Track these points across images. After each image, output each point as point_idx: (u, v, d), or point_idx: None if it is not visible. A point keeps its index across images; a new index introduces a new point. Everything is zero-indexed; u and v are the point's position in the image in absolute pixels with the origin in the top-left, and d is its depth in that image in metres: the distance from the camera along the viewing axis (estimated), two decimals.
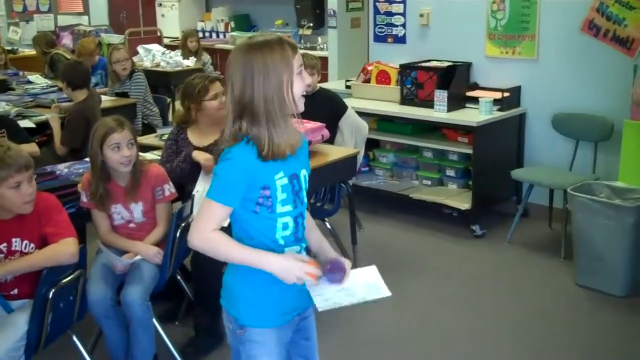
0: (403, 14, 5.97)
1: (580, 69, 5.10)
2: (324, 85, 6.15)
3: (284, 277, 2.04)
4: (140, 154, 3.55)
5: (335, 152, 4.22)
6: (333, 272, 2.13)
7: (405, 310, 4.09)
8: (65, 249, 2.81)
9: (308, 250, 2.25)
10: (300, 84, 2.06)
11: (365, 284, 2.25)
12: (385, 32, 6.12)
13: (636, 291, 4.19)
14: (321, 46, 8.64)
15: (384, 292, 2.24)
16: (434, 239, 5.13)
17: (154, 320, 3.30)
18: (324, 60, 7.79)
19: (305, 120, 4.20)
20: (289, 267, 2.04)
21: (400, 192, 5.53)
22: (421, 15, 5.84)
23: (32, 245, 2.86)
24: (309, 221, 2.25)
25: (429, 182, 5.62)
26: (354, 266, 2.24)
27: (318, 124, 4.15)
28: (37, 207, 2.87)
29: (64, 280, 2.81)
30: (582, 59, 5.08)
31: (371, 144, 5.78)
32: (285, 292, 2.12)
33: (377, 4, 6.12)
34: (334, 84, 6.60)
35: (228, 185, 2.03)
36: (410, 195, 5.43)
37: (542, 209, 5.26)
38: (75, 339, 3.12)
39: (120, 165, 3.25)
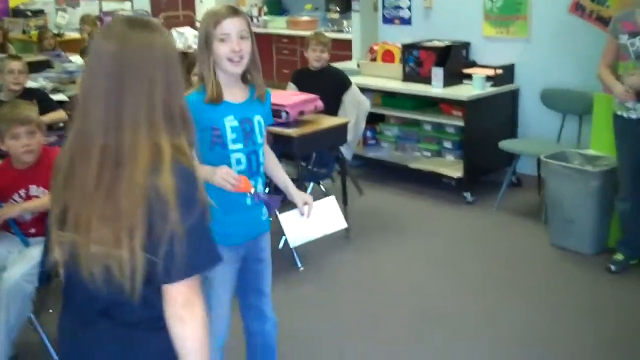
0: None
1: (568, 47, 5.40)
2: (346, 64, 6.70)
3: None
4: None
5: (325, 121, 4.66)
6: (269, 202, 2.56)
7: (385, 263, 4.54)
8: None
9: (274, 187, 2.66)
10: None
11: (326, 215, 2.71)
12: (393, 14, 6.51)
13: (603, 250, 4.54)
14: (347, 29, 9.05)
15: (342, 223, 2.72)
16: (428, 204, 5.54)
17: None
18: (349, 42, 8.24)
19: (302, 93, 4.70)
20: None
21: (401, 162, 5.95)
22: None
23: (47, 191, 3.38)
24: (271, 162, 2.73)
25: (429, 154, 6.02)
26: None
27: (312, 95, 4.60)
28: (51, 158, 3.39)
29: None
30: (570, 38, 5.38)
31: (378, 118, 6.23)
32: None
33: None
34: (354, 63, 7.05)
35: None
36: (409, 165, 5.85)
37: (533, 179, 5.61)
38: None
39: None
